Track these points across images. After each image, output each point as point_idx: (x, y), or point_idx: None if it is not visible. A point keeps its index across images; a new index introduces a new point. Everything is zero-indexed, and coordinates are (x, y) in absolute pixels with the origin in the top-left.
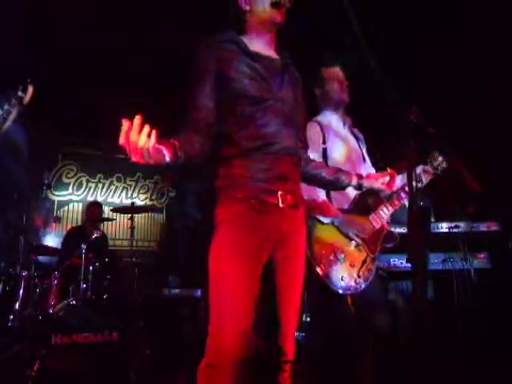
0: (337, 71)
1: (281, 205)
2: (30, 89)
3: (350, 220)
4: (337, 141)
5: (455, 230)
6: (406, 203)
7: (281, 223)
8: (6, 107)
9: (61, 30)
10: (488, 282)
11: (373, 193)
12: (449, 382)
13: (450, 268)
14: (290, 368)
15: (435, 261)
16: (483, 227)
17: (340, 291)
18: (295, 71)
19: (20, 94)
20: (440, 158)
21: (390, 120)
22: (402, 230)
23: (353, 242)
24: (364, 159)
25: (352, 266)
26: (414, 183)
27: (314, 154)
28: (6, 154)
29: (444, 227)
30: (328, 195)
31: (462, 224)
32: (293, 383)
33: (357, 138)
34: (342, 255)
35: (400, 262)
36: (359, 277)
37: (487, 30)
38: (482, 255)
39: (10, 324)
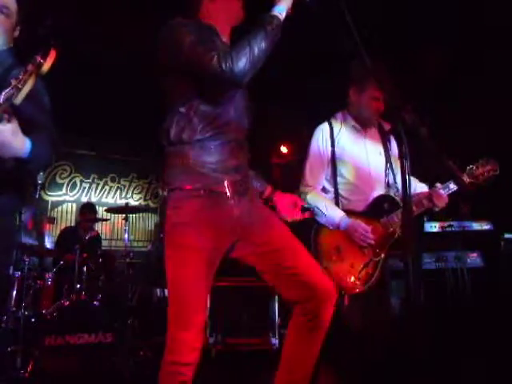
0: None
1: (228, 194)
2: (53, 53)
3: (356, 225)
4: None
5: (448, 230)
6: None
7: (231, 211)
8: (20, 75)
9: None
10: (481, 280)
11: (389, 198)
12: (443, 381)
13: (443, 267)
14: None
15: (428, 260)
16: (476, 226)
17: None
18: None
19: (39, 59)
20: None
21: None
22: None
23: (356, 244)
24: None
25: (352, 267)
26: (407, 183)
27: None
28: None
29: (437, 226)
30: (336, 199)
31: (454, 223)
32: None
33: None
34: (344, 255)
35: None
36: (358, 279)
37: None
38: (475, 254)
39: (3, 325)
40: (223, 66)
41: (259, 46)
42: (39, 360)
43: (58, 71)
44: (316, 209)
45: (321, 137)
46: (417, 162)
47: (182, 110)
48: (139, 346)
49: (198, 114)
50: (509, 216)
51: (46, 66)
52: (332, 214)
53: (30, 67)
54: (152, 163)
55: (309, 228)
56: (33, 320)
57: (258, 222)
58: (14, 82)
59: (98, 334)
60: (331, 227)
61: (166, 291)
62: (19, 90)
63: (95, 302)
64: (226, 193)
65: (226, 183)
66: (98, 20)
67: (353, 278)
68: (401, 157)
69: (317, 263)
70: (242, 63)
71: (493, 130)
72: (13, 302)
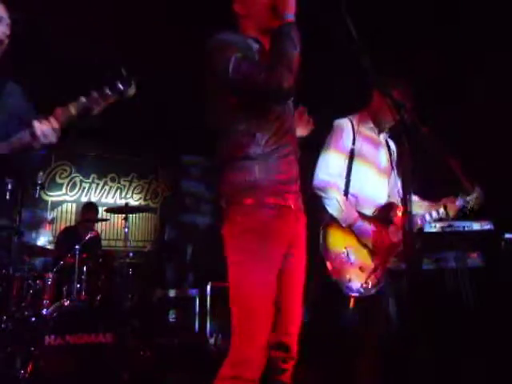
0: None
1: (293, 207)
2: (134, 86)
3: (367, 229)
4: None
5: (448, 230)
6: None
7: (294, 224)
8: (94, 94)
9: (60, 30)
10: (481, 280)
11: (394, 207)
12: (443, 381)
13: (443, 267)
14: (292, 366)
15: (428, 260)
16: (476, 226)
17: (345, 291)
18: None
19: (119, 86)
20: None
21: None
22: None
23: (366, 248)
24: None
25: (362, 270)
26: (408, 185)
27: None
28: None
29: (437, 226)
30: (346, 195)
31: (454, 223)
32: (294, 381)
33: None
34: (354, 258)
35: None
36: (366, 283)
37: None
38: (475, 254)
39: (3, 325)
40: (271, 85)
41: (293, 56)
42: (39, 360)
43: (57, 71)
44: (336, 201)
45: (345, 131)
46: (417, 162)
47: (242, 126)
48: (139, 346)
49: (260, 129)
50: (509, 216)
51: (130, 93)
52: (349, 211)
53: (107, 91)
54: (152, 163)
55: (316, 223)
56: (33, 320)
57: (300, 237)
58: (95, 95)
59: (98, 334)
60: (343, 224)
61: (167, 291)
62: (87, 109)
63: (95, 302)
64: (291, 206)
65: (290, 196)
66: (98, 19)
67: (362, 282)
68: (401, 157)
69: (299, 318)
70: (286, 79)
71: (493, 130)
72: (13, 302)
